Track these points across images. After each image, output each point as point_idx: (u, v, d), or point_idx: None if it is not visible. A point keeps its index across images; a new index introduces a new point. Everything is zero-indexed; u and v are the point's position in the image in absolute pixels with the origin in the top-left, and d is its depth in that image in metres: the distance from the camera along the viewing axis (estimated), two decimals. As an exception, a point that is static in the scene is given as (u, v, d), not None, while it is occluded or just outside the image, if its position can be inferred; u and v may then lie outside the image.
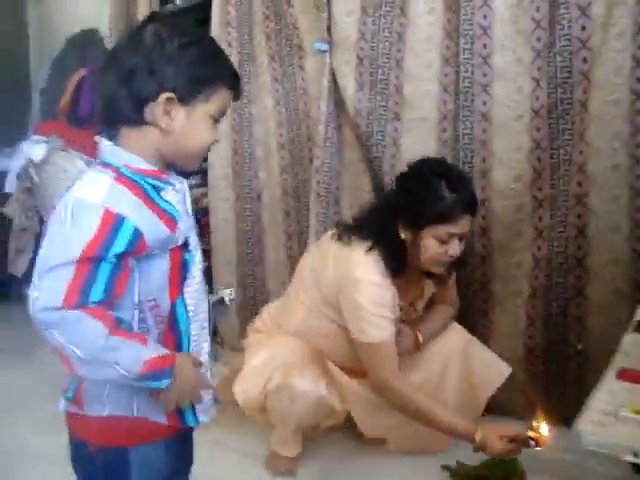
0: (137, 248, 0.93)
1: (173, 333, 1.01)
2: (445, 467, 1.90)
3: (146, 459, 0.99)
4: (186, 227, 1.02)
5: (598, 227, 2.01)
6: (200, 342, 1.05)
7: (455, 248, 1.76)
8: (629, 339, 1.47)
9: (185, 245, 1.02)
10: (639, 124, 1.93)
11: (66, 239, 0.90)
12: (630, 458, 0.92)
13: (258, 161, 2.77)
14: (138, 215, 0.93)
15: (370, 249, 1.78)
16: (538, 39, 2.06)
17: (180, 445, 1.07)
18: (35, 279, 0.89)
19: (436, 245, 1.74)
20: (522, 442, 1.59)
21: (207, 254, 3.03)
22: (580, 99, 2.00)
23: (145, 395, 0.98)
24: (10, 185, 3.16)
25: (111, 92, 0.97)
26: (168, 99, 0.96)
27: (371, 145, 2.35)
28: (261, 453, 2.02)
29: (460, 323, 2.11)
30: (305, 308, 1.94)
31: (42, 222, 3.20)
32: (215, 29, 2.79)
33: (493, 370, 2.00)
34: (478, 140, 2.18)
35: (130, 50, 0.97)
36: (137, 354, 0.91)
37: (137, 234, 0.92)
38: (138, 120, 0.97)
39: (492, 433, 1.62)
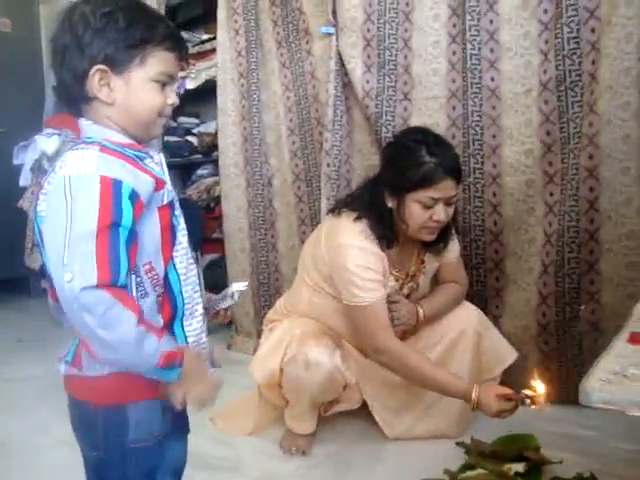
0: (137, 210, 0.95)
1: (168, 296, 1.03)
2: (460, 444, 1.89)
3: (143, 417, 1.00)
4: (171, 191, 1.05)
5: (610, 200, 1.99)
6: (193, 305, 1.06)
7: (440, 213, 1.77)
8: (642, 307, 1.45)
9: (172, 207, 1.04)
10: (650, 94, 1.90)
11: (76, 215, 0.90)
12: (638, 413, 0.91)
13: (268, 147, 2.78)
14: (131, 177, 0.95)
15: (358, 218, 1.83)
16: (545, 11, 2.05)
17: (175, 409, 1.08)
18: (60, 262, 0.89)
19: (420, 210, 1.77)
20: (518, 401, 1.59)
21: (221, 242, 3.05)
22: (589, 70, 1.97)
23: None
24: (25, 179, 3.20)
25: (57, 75, 1.01)
26: (100, 71, 0.98)
27: (381, 126, 2.34)
28: (275, 434, 2.03)
29: (473, 302, 2.09)
30: (309, 288, 1.97)
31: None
32: (221, 17, 2.81)
33: (501, 354, 2.00)
34: (487, 116, 2.17)
35: (60, 33, 1.01)
36: (156, 346, 0.93)
37: (135, 195, 0.95)
38: (85, 97, 1.00)
39: (488, 392, 1.63)
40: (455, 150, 1.87)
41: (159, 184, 1.00)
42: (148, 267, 0.99)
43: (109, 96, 0.99)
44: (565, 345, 2.12)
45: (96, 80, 0.98)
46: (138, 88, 1.00)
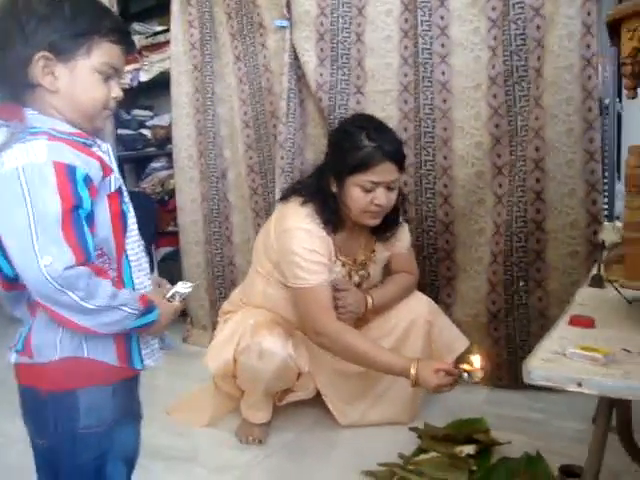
0: (91, 194, 0.97)
1: (120, 283, 1.04)
2: (413, 429, 1.94)
3: (93, 402, 1.01)
4: (118, 178, 1.06)
5: (555, 191, 2.07)
6: (145, 287, 1.09)
7: (380, 197, 1.81)
8: (583, 292, 1.52)
9: (121, 194, 1.06)
10: (590, 89, 1.98)
11: (38, 203, 0.92)
12: (574, 388, 0.96)
13: (223, 140, 2.78)
14: (83, 163, 0.97)
15: (304, 202, 1.88)
16: (493, 8, 2.11)
17: (126, 393, 1.10)
18: (31, 250, 0.91)
19: (361, 194, 1.81)
20: (456, 376, 1.63)
21: (175, 235, 3.04)
22: (535, 66, 2.04)
23: (95, 337, 1.01)
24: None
25: (1, 62, 1.00)
26: (45, 58, 0.98)
27: (334, 119, 2.37)
28: (232, 424, 2.05)
29: (425, 292, 2.14)
30: (263, 278, 1.99)
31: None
32: (175, 9, 2.79)
33: (452, 342, 2.04)
34: (439, 110, 2.22)
35: (4, 17, 1.00)
36: (131, 295, 1.01)
37: (89, 180, 0.96)
38: (28, 84, 0.99)
39: (427, 368, 1.67)
40: (397, 136, 1.89)
41: (106, 170, 1.02)
42: (99, 252, 1.01)
43: (52, 84, 0.99)
44: (514, 331, 2.19)
45: (40, 67, 0.98)
46: (82, 78, 1.01)
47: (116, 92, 1.05)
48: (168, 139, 3.11)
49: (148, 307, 1.03)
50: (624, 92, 2.31)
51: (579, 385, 0.96)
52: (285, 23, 2.45)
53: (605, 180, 2.11)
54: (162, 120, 3.38)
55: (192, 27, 2.76)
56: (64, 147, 0.96)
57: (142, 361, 1.09)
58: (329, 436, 2.00)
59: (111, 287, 0.97)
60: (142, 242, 1.10)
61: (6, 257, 0.97)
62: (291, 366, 1.89)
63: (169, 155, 3.13)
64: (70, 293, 0.92)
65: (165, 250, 3.35)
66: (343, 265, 1.96)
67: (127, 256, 1.05)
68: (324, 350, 1.87)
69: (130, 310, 0.99)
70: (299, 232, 1.84)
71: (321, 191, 1.88)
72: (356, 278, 2.00)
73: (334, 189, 1.86)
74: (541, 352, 1.09)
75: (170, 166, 3.20)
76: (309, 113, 2.50)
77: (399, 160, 1.83)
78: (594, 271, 1.63)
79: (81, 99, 1.01)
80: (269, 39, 2.58)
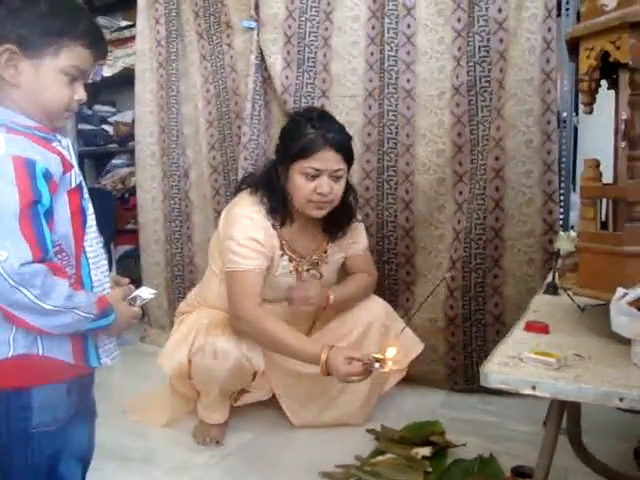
0: (51, 189, 0.96)
1: (78, 280, 1.04)
2: (370, 431, 1.96)
3: (48, 400, 1.00)
4: (79, 174, 1.05)
5: (514, 200, 2.12)
6: (103, 288, 1.09)
7: (323, 185, 1.83)
8: (538, 299, 1.57)
9: (81, 190, 1.05)
10: (549, 102, 2.04)
11: None
12: (529, 391, 0.99)
13: (186, 139, 2.76)
14: (43, 157, 0.96)
15: (252, 192, 1.92)
16: (458, 20, 2.15)
17: (81, 391, 1.09)
18: None
19: (304, 181, 1.83)
20: (368, 364, 1.63)
21: (135, 233, 3.00)
22: (497, 77, 2.09)
23: (50, 334, 1.00)
24: None
25: None
26: (9, 51, 0.97)
27: (299, 122, 2.38)
28: (189, 425, 2.04)
29: (383, 296, 2.17)
30: (217, 277, 1.99)
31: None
32: (141, 5, 2.77)
33: (407, 346, 2.05)
34: (402, 116, 2.25)
35: None
36: (87, 298, 0.99)
37: (49, 175, 0.95)
38: None
39: (337, 355, 1.68)
40: (344, 128, 1.92)
41: (67, 166, 1.01)
42: (57, 249, 1.00)
43: (14, 77, 0.98)
44: (471, 336, 2.23)
45: (3, 59, 0.97)
46: (47, 77, 1.00)
47: (80, 95, 1.04)
48: (130, 136, 3.07)
49: (104, 311, 1.02)
50: (580, 106, 2.39)
51: (533, 388, 0.99)
52: (253, 24, 2.46)
53: (561, 190, 2.17)
54: (125, 116, 3.34)
55: (158, 24, 2.74)
56: (24, 141, 0.95)
57: (99, 358, 1.08)
58: (286, 437, 2.00)
59: (67, 288, 0.96)
60: (101, 239, 1.10)
61: None
62: (246, 365, 1.88)
63: (131, 152, 3.09)
64: (25, 290, 0.91)
65: (124, 248, 3.31)
66: (290, 260, 1.96)
67: (85, 253, 1.05)
68: (221, 330, 1.87)
69: (84, 314, 0.98)
70: (242, 219, 1.87)
71: (270, 181, 1.90)
72: (306, 276, 2.00)
73: (282, 179, 1.88)
74: (498, 357, 1.12)
75: (131, 163, 3.16)
76: (274, 115, 2.51)
77: (342, 149, 1.85)
78: (549, 279, 1.68)
79: (42, 97, 1.00)
80: (236, 40, 2.58)
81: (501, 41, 2.08)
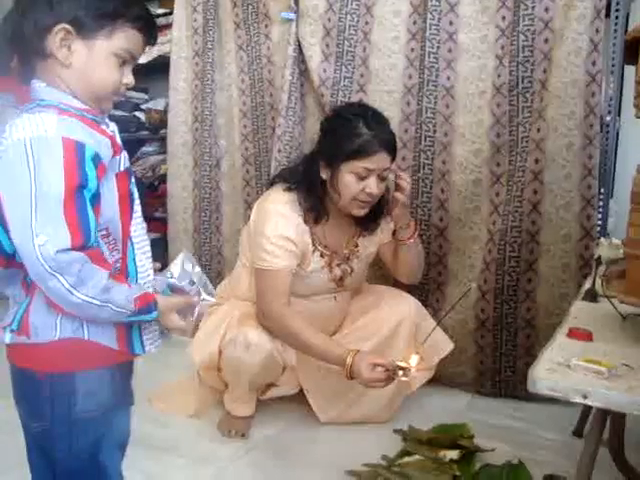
0: (100, 173, 0.95)
1: (124, 264, 1.03)
2: (397, 431, 1.94)
3: (91, 386, 0.99)
4: (127, 159, 1.05)
5: (552, 203, 2.08)
6: (147, 273, 1.08)
7: (372, 185, 1.81)
8: (578, 305, 1.54)
9: (129, 174, 1.05)
10: (593, 105, 2.00)
11: (42, 179, 0.89)
12: (579, 400, 0.97)
13: (219, 128, 2.75)
14: (93, 140, 0.95)
15: (288, 189, 1.89)
16: (503, 18, 2.12)
17: (123, 378, 1.09)
18: (28, 226, 0.89)
19: (354, 181, 1.81)
20: (391, 371, 1.64)
21: (162, 222, 3.00)
22: (540, 78, 2.05)
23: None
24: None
25: (16, 24, 0.98)
26: (65, 30, 0.97)
27: (335, 116, 2.36)
28: (214, 416, 2.03)
29: (414, 295, 2.15)
30: (247, 269, 1.99)
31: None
32: (180, -6, 2.76)
33: (437, 344, 2.05)
34: (441, 114, 2.22)
35: None
36: (128, 294, 0.97)
37: (97, 158, 0.94)
38: (41, 53, 0.98)
39: (363, 360, 1.68)
40: (388, 123, 1.89)
41: (117, 149, 1.00)
42: (105, 233, 0.99)
43: (67, 57, 0.98)
44: (501, 340, 2.20)
45: (58, 38, 0.96)
46: (99, 58, 0.99)
47: (128, 79, 1.04)
48: (162, 123, 3.06)
49: (144, 308, 1.00)
50: (624, 110, 2.35)
51: (584, 397, 0.97)
52: (292, 16, 2.44)
53: (600, 196, 2.13)
54: (157, 104, 3.33)
55: (196, 12, 2.72)
56: (75, 122, 0.95)
57: (143, 346, 1.07)
58: (312, 433, 1.99)
59: (106, 279, 0.94)
60: (145, 225, 1.09)
61: (7, 232, 0.94)
62: (277, 359, 1.88)
63: (162, 140, 3.09)
64: (60, 277, 0.89)
65: (151, 236, 3.30)
66: (322, 256, 1.95)
67: (131, 238, 1.04)
68: (253, 323, 1.87)
69: (117, 309, 0.96)
70: (275, 216, 1.85)
71: (309, 178, 1.88)
72: (337, 272, 1.99)
73: (324, 176, 1.86)
74: (545, 362, 1.09)
75: (162, 151, 3.16)
76: (309, 108, 2.49)
77: (393, 150, 1.84)
78: (587, 285, 1.65)
79: (93, 79, 1.00)
80: (274, 30, 2.56)
81: (546, 41, 2.04)
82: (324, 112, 2.41)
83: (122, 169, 1.02)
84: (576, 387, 0.98)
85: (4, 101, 2.88)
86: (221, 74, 2.72)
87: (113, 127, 1.05)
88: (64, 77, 0.99)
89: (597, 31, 1.97)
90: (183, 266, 1.11)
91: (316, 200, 1.87)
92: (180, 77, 2.79)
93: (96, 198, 0.95)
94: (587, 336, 1.27)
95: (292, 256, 1.85)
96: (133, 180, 1.06)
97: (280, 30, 2.53)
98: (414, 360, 1.64)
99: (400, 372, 1.62)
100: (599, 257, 1.75)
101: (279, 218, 1.85)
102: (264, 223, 1.85)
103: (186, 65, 2.78)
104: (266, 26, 2.58)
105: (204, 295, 1.11)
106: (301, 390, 2.05)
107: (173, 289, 1.10)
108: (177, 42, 2.79)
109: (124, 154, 1.03)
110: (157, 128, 3.27)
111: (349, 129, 1.81)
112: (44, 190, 0.89)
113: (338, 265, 1.99)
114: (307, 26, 2.40)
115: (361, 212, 1.88)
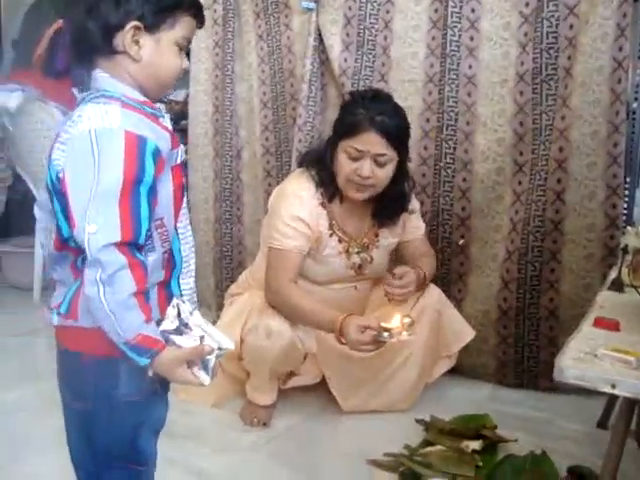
0: (159, 167, 0.96)
1: (169, 253, 1.04)
2: (419, 421, 1.93)
3: (134, 371, 0.98)
4: (184, 151, 1.07)
5: (576, 193, 2.06)
6: (190, 263, 1.09)
7: (364, 168, 1.81)
8: (604, 295, 1.52)
9: (184, 167, 1.07)
10: (619, 92, 1.97)
11: (102, 170, 0.92)
12: (608, 389, 0.96)
13: (240, 119, 2.75)
14: (153, 134, 0.96)
15: (307, 166, 1.95)
16: (526, 4, 2.09)
17: None
18: (84, 214, 0.91)
19: (346, 160, 1.83)
20: (377, 331, 1.65)
21: (184, 212, 3.01)
22: (565, 65, 2.02)
23: None
24: (-19, 135, 3.08)
25: (80, 23, 1.01)
26: (135, 27, 0.99)
27: (355, 105, 2.34)
28: (236, 405, 2.04)
29: (436, 284, 2.13)
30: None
31: (15, 173, 3.14)
32: (200, -16, 2.75)
33: (459, 332, 2.07)
34: (463, 103, 2.20)
35: None
36: (138, 324, 0.93)
37: (158, 152, 0.96)
38: (109, 50, 1.01)
39: (351, 322, 1.70)
40: (397, 112, 1.87)
41: (174, 143, 1.02)
42: (159, 223, 1.00)
43: (137, 53, 1.00)
44: (523, 330, 2.19)
45: (129, 35, 0.99)
46: (166, 49, 1.02)
47: (186, 63, 1.07)
48: (182, 114, 3.07)
49: (140, 348, 0.92)
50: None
51: (612, 387, 0.96)
52: (312, 5, 2.42)
53: (626, 185, 2.10)
54: (178, 95, 3.34)
55: (216, 3, 2.72)
56: (137, 117, 0.97)
57: None
58: (333, 422, 2.00)
59: (130, 296, 0.91)
60: (189, 215, 1.10)
61: (67, 218, 0.97)
62: (298, 347, 1.89)
63: (182, 131, 3.09)
64: (98, 268, 0.90)
65: (171, 227, 3.32)
66: (340, 241, 1.96)
67: (177, 229, 1.05)
68: (274, 310, 1.89)
69: (116, 328, 0.91)
70: (291, 197, 1.90)
71: (321, 157, 1.92)
72: (356, 259, 1.99)
73: (331, 155, 1.89)
74: (571, 352, 1.08)
75: (183, 142, 3.16)
76: (330, 98, 2.48)
77: (389, 134, 1.81)
78: (612, 275, 1.63)
79: (161, 69, 1.03)
80: (294, 20, 2.55)
81: (571, 27, 2.01)
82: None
83: (178, 162, 1.04)
84: (604, 376, 0.97)
85: (28, 93, 2.92)
86: (241, 64, 2.71)
87: (168, 117, 1.07)
88: (133, 71, 1.01)
89: (624, 15, 1.93)
90: (179, 315, 0.98)
91: (327, 178, 1.90)
92: (201, 68, 2.79)
93: (153, 192, 0.96)
94: (614, 325, 1.26)
95: (304, 237, 1.87)
96: (185, 172, 1.08)
97: (300, 20, 2.52)
98: (397, 320, 1.65)
99: (385, 334, 1.64)
100: (625, 246, 1.72)
101: (294, 199, 1.89)
102: (280, 203, 1.91)
103: (206, 56, 2.78)
104: (286, 16, 2.57)
105: (210, 340, 0.96)
106: (322, 380, 2.05)
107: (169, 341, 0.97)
108: (197, 32, 2.78)
109: (181, 147, 1.06)
110: (178, 119, 3.27)
111: (347, 109, 1.87)
112: (103, 181, 0.91)
113: (357, 253, 1.99)
114: (327, 15, 2.39)
115: (359, 196, 1.88)
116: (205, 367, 0.95)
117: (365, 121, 1.79)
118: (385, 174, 1.86)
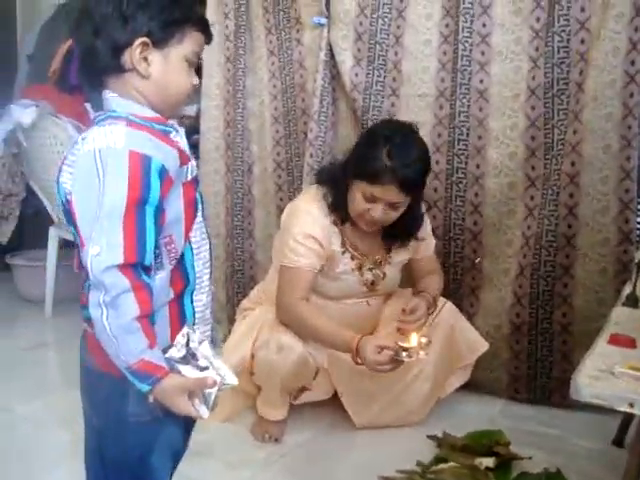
0: (166, 186, 0.95)
1: (180, 269, 1.03)
2: (431, 437, 1.92)
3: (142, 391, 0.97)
4: (195, 167, 1.06)
5: (588, 207, 2.05)
6: (203, 279, 1.07)
7: (376, 211, 1.82)
8: (618, 311, 1.51)
9: (196, 183, 1.05)
10: (631, 106, 1.96)
11: (106, 190, 0.91)
12: (625, 408, 0.95)
13: (251, 134, 2.76)
14: (160, 152, 0.95)
15: (319, 187, 1.95)
16: (537, 19, 2.09)
17: None
18: (89, 235, 0.91)
19: (361, 200, 1.84)
20: (394, 351, 1.65)
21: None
22: (576, 80, 2.02)
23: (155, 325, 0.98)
24: (-3, 150, 3.11)
25: (88, 44, 1.00)
26: (143, 44, 0.99)
27: (367, 120, 2.35)
28: (247, 420, 2.03)
29: (448, 299, 2.12)
30: None
31: (28, 188, 3.16)
32: (211, 0, 2.77)
33: (473, 343, 2.07)
34: (474, 118, 2.20)
35: (98, 3, 1.00)
36: (141, 349, 0.91)
37: (164, 171, 0.94)
38: (118, 68, 1.00)
39: (369, 343, 1.69)
40: (420, 158, 1.85)
41: (184, 159, 1.01)
42: (168, 240, 0.99)
43: (146, 69, 1.00)
44: (536, 346, 2.17)
45: (137, 52, 0.99)
46: (174, 65, 1.01)
47: (195, 79, 1.07)
48: (194, 129, 3.09)
49: (141, 374, 0.91)
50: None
51: (631, 406, 0.94)
52: (323, 20, 2.43)
53: (638, 199, 2.09)
54: (189, 110, 3.36)
55: (227, 18, 2.74)
56: (143, 136, 0.96)
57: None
58: (345, 438, 1.99)
59: (134, 320, 0.89)
60: (205, 230, 1.08)
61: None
62: (309, 362, 1.89)
63: (194, 146, 3.11)
64: (101, 291, 0.89)
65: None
66: (352, 258, 1.96)
67: (190, 244, 1.03)
68: (285, 326, 1.89)
69: (118, 353, 0.90)
70: (303, 215, 1.90)
71: (335, 181, 1.92)
72: (369, 276, 2.00)
73: (346, 185, 1.89)
74: (587, 369, 1.07)
75: (194, 157, 3.18)
76: (341, 113, 2.48)
77: (408, 187, 1.81)
78: (627, 290, 1.62)
79: (171, 86, 1.02)
80: (305, 35, 2.56)
81: (582, 41, 2.01)
82: (356, 117, 2.41)
83: (189, 178, 1.03)
84: (622, 395, 0.96)
85: (42, 109, 2.95)
86: (253, 79, 2.72)
87: (182, 131, 1.06)
88: (141, 88, 1.01)
89: (636, 30, 1.93)
90: (188, 343, 0.96)
91: (339, 202, 1.90)
92: (212, 82, 2.81)
93: (159, 211, 0.95)
94: (630, 342, 1.24)
95: (315, 255, 1.87)
96: (199, 188, 1.07)
97: (311, 35, 2.53)
98: (414, 339, 1.65)
99: (404, 353, 1.64)
100: (639, 261, 1.71)
101: (307, 217, 1.89)
102: (292, 221, 1.91)
103: (218, 71, 2.79)
104: (297, 31, 2.58)
105: (214, 373, 0.94)
106: (334, 395, 2.05)
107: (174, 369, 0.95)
108: (209, 48, 2.75)
109: (192, 163, 1.04)
110: (189, 134, 3.29)
111: (371, 150, 1.82)
112: (107, 201, 0.91)
113: (370, 270, 1.99)
114: (339, 31, 2.40)
115: (368, 228, 1.91)
116: (206, 400, 0.93)
117: (388, 173, 1.77)
118: (398, 213, 1.87)
